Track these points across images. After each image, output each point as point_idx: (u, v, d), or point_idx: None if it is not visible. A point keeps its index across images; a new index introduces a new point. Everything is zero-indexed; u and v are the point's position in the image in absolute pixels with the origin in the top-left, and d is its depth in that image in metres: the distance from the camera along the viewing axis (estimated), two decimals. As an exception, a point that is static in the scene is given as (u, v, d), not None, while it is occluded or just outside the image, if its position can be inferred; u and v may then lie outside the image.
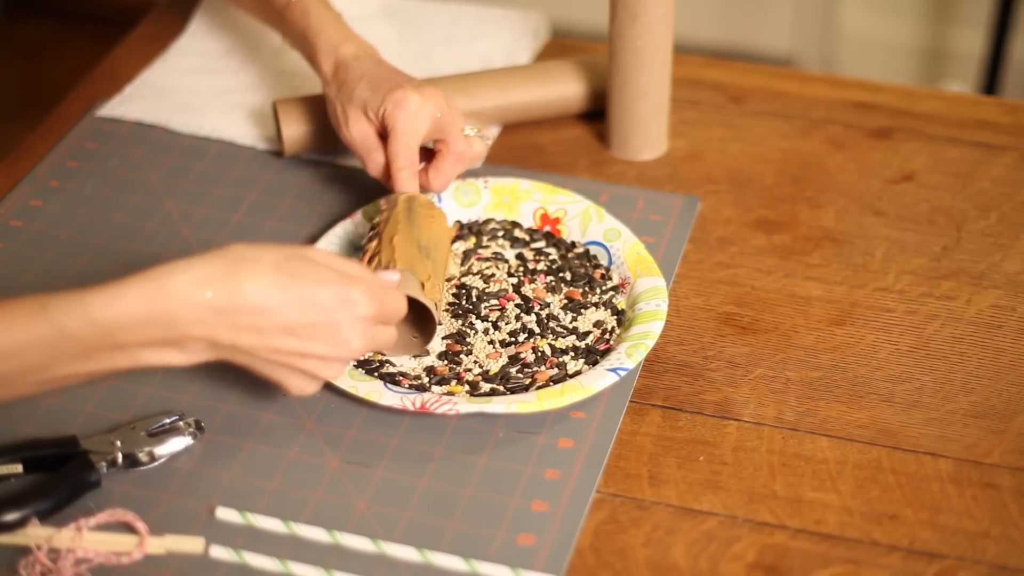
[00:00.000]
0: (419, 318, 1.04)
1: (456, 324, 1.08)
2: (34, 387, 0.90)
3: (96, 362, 0.89)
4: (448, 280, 1.11)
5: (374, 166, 1.14)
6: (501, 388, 1.02)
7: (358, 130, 1.15)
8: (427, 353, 1.05)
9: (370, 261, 1.05)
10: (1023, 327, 1.09)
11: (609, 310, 1.09)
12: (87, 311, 0.87)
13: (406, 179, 1.12)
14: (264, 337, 0.91)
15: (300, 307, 0.90)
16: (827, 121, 1.32)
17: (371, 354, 1.05)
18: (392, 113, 1.12)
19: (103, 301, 0.87)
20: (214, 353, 0.91)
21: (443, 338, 1.07)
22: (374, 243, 1.06)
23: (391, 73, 1.16)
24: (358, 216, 1.16)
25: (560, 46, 1.41)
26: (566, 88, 1.29)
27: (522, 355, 1.05)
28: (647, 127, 1.26)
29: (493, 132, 1.19)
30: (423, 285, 1.03)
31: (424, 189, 1.15)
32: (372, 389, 1.01)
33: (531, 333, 1.07)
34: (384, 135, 1.14)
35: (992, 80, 2.34)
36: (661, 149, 1.28)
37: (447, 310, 1.09)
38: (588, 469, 0.98)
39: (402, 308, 0.98)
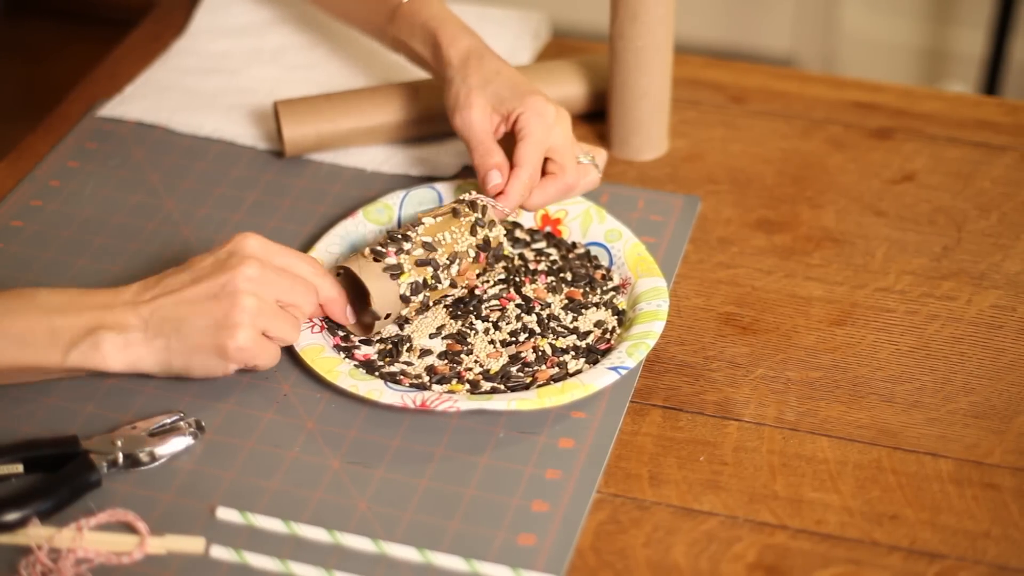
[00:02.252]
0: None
1: (456, 324, 1.08)
2: None
3: (31, 353, 0.97)
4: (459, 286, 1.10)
5: (486, 162, 1.11)
6: (502, 387, 1.02)
7: (481, 120, 1.12)
8: (372, 327, 1.06)
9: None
10: (1023, 327, 1.10)
11: (610, 310, 1.09)
12: (34, 296, 0.98)
13: (518, 192, 1.09)
14: (175, 292, 0.99)
15: (196, 258, 1.01)
16: (827, 121, 1.32)
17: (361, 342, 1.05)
18: (529, 119, 1.10)
19: (49, 290, 0.99)
20: (145, 342, 0.99)
21: (443, 338, 1.07)
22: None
23: (524, 78, 1.15)
24: (359, 216, 1.16)
25: (561, 46, 1.41)
26: (567, 88, 1.29)
27: (523, 355, 1.05)
28: (647, 127, 1.26)
29: (603, 160, 1.16)
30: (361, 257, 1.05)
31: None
32: (372, 388, 1.01)
33: (532, 333, 1.07)
34: (506, 134, 1.12)
35: (992, 80, 2.35)
36: (662, 149, 1.28)
37: (447, 308, 1.09)
38: (589, 469, 0.98)
39: (304, 263, 1.02)
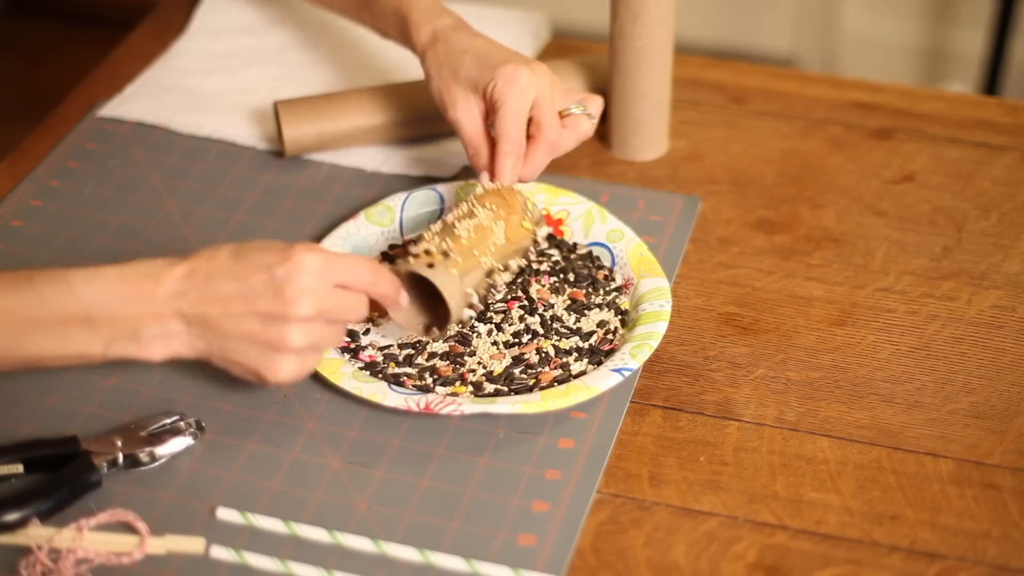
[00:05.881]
0: (435, 302, 1.03)
1: (458, 326, 1.07)
2: (2, 363, 0.95)
3: (68, 342, 0.94)
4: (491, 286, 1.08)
5: (480, 161, 1.11)
6: (505, 389, 1.02)
7: (466, 115, 1.11)
8: (436, 336, 1.05)
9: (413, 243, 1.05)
10: (1023, 327, 1.10)
11: (612, 311, 1.09)
12: (68, 282, 0.93)
13: (508, 167, 1.08)
14: (223, 305, 0.94)
15: (248, 269, 0.94)
16: (828, 121, 1.32)
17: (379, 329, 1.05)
18: (502, 89, 1.08)
19: (84, 275, 0.94)
20: (187, 337, 0.95)
21: (445, 340, 1.07)
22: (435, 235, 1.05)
23: (496, 46, 1.12)
24: (360, 218, 1.16)
25: (561, 46, 1.41)
26: (567, 88, 1.29)
27: (526, 356, 1.05)
28: (648, 127, 1.26)
29: (597, 108, 1.14)
30: (432, 264, 1.01)
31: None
32: (376, 391, 1.01)
33: (535, 334, 1.07)
34: (489, 114, 1.11)
35: (993, 80, 2.35)
36: (662, 149, 1.28)
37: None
38: (589, 469, 0.98)
39: (364, 272, 0.97)
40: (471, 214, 1.06)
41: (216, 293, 0.94)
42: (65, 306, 0.93)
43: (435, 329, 1.04)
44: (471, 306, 1.03)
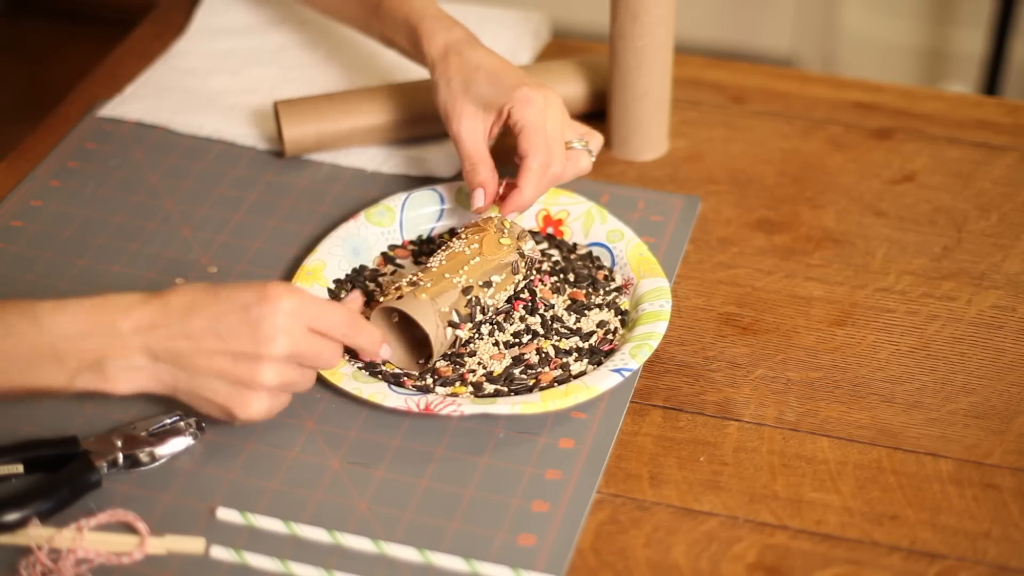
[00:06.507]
0: (420, 334, 1.03)
1: (451, 349, 1.07)
2: None
3: (34, 374, 0.93)
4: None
5: (475, 177, 1.10)
6: (505, 389, 1.02)
7: (470, 129, 1.11)
8: (423, 368, 1.05)
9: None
10: (1023, 327, 1.10)
11: (612, 311, 1.09)
12: (36, 314, 0.93)
13: (532, 184, 1.08)
14: (194, 341, 0.93)
15: (223, 308, 0.94)
16: (828, 121, 1.32)
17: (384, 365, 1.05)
18: (521, 111, 1.09)
19: (52, 307, 0.93)
20: (154, 371, 0.94)
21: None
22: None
23: (508, 66, 1.12)
24: (360, 218, 1.16)
25: (561, 46, 1.41)
26: (567, 89, 1.29)
27: (526, 356, 1.05)
28: (648, 127, 1.26)
29: (597, 144, 1.14)
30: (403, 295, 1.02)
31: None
32: (376, 391, 1.01)
33: (535, 334, 1.07)
34: (494, 130, 1.11)
35: (993, 80, 2.35)
36: (662, 149, 1.28)
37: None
38: (589, 469, 0.98)
39: (339, 322, 0.97)
40: (446, 248, 1.07)
41: (188, 329, 0.93)
42: (31, 339, 0.93)
43: (431, 358, 1.04)
44: (453, 324, 1.03)
